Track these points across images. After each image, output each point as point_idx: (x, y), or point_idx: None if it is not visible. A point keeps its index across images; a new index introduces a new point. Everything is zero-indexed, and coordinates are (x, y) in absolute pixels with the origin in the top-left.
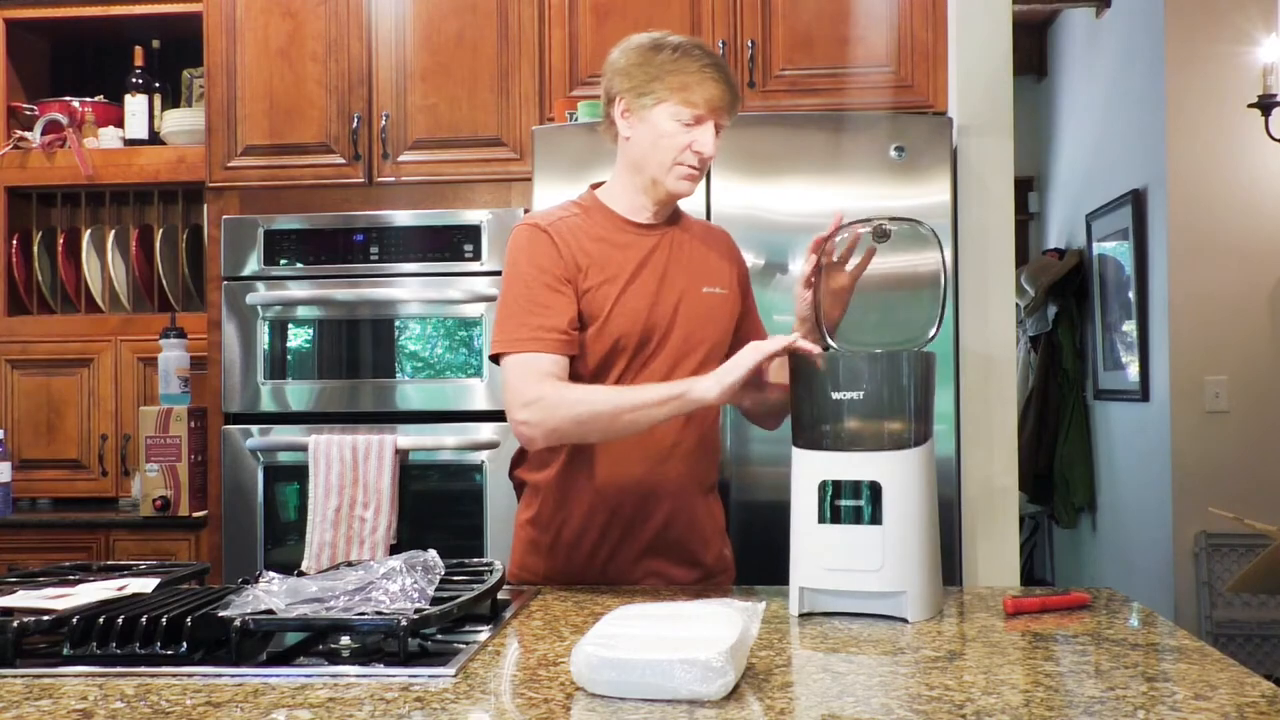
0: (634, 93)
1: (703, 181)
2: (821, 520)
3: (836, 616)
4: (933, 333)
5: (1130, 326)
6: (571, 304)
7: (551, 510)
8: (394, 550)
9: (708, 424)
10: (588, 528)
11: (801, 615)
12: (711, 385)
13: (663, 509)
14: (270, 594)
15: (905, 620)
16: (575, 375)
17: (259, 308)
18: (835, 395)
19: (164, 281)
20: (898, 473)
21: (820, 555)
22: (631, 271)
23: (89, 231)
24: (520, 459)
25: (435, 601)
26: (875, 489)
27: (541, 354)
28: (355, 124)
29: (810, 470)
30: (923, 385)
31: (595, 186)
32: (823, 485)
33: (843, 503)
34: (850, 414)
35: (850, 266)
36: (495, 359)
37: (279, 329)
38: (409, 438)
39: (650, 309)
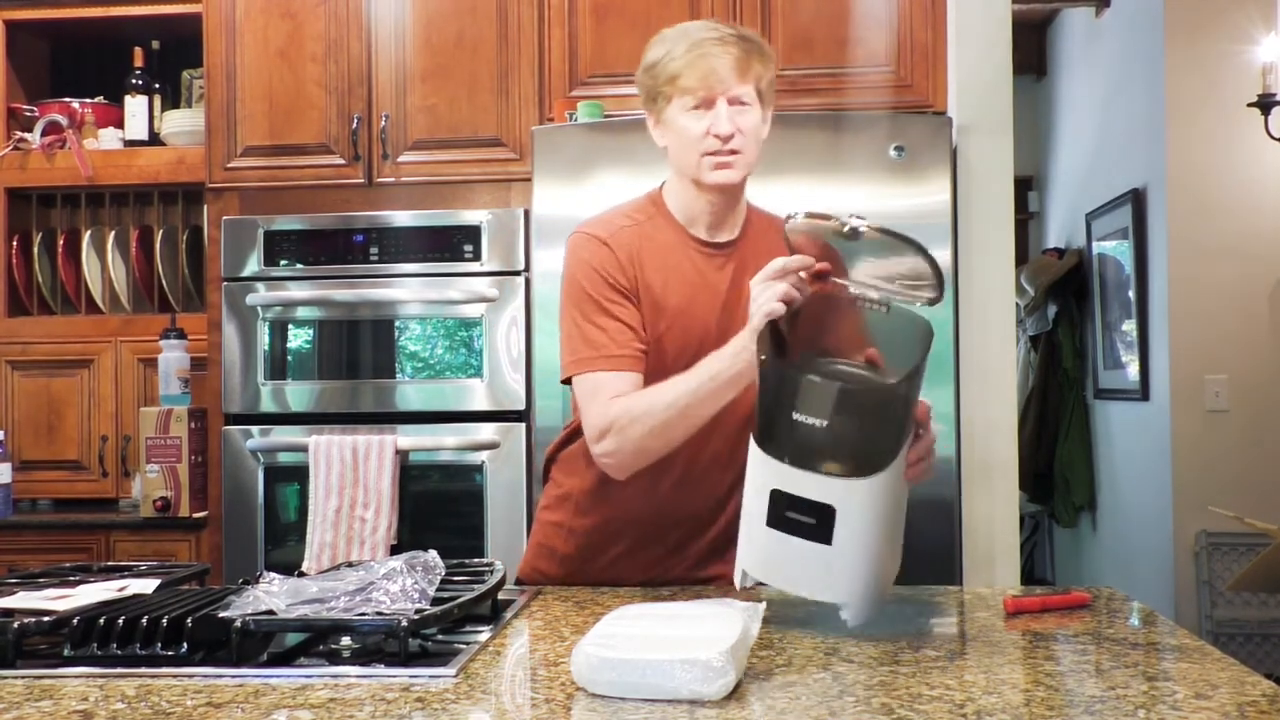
0: (650, 100)
1: None
2: (770, 523)
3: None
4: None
5: (1130, 326)
6: (637, 315)
7: (573, 518)
8: (394, 551)
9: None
10: (610, 543)
11: (779, 595)
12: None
13: (687, 527)
14: (271, 595)
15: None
16: None
17: (259, 308)
18: (796, 416)
19: (164, 282)
20: (855, 499)
21: (765, 551)
22: (688, 298)
23: (89, 232)
24: (558, 452)
25: (436, 602)
26: (828, 511)
27: (610, 373)
28: (355, 125)
29: (764, 474)
30: (896, 417)
31: (665, 184)
32: (775, 493)
33: (794, 515)
34: (809, 438)
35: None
36: (566, 382)
37: (279, 329)
38: (409, 438)
39: (700, 341)
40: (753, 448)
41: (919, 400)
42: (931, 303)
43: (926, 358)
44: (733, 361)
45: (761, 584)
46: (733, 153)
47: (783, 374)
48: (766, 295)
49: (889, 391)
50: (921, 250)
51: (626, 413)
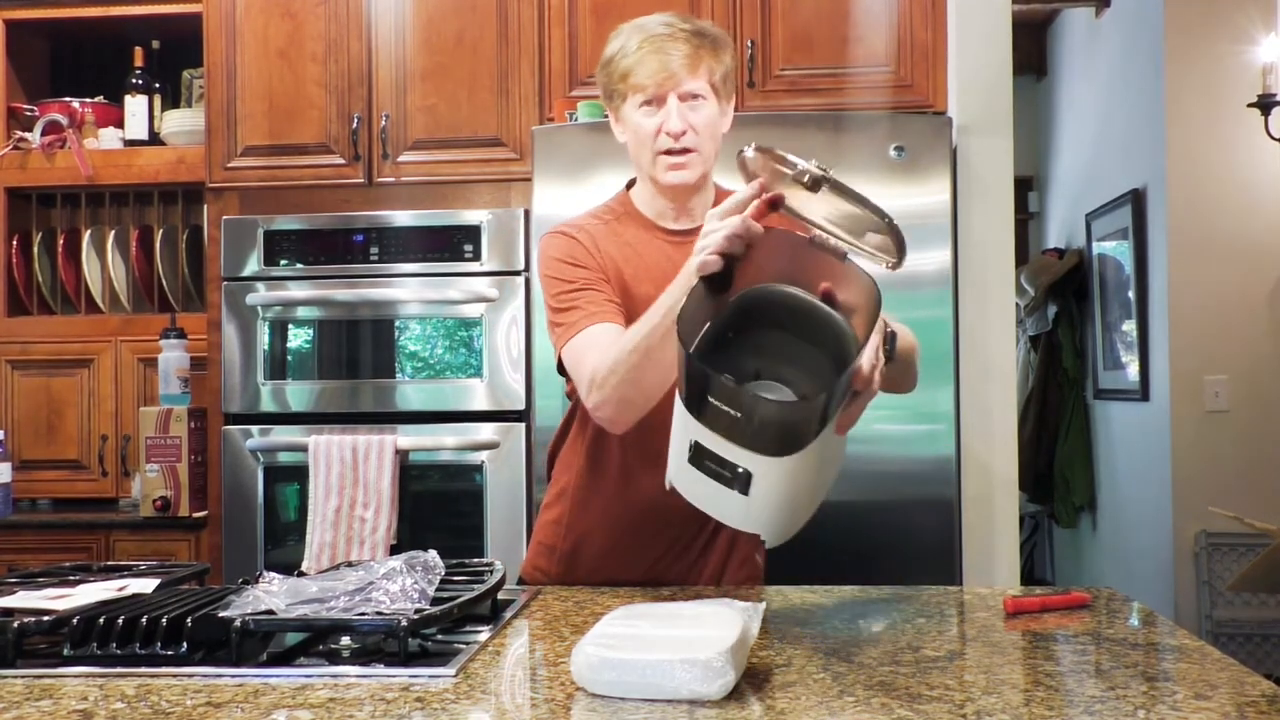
0: (608, 98)
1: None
2: (692, 463)
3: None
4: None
5: (1130, 326)
6: (610, 288)
7: (570, 514)
8: (394, 550)
9: None
10: (607, 540)
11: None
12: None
13: (682, 524)
14: (270, 594)
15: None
16: None
17: (259, 308)
18: (712, 400)
19: (164, 282)
20: (772, 471)
21: (689, 481)
22: (660, 284)
23: (89, 232)
24: (558, 448)
25: (435, 602)
26: (746, 473)
27: (590, 329)
28: (355, 124)
29: (686, 424)
30: (816, 418)
31: (631, 184)
32: (695, 444)
33: (712, 466)
34: (728, 421)
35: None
36: (561, 369)
37: (279, 329)
38: (409, 438)
39: None
40: (677, 403)
41: (872, 348)
42: (893, 267)
43: (860, 351)
44: (682, 294)
45: None
46: (686, 151)
47: (699, 370)
48: (708, 240)
49: (807, 408)
50: (885, 218)
51: (600, 366)
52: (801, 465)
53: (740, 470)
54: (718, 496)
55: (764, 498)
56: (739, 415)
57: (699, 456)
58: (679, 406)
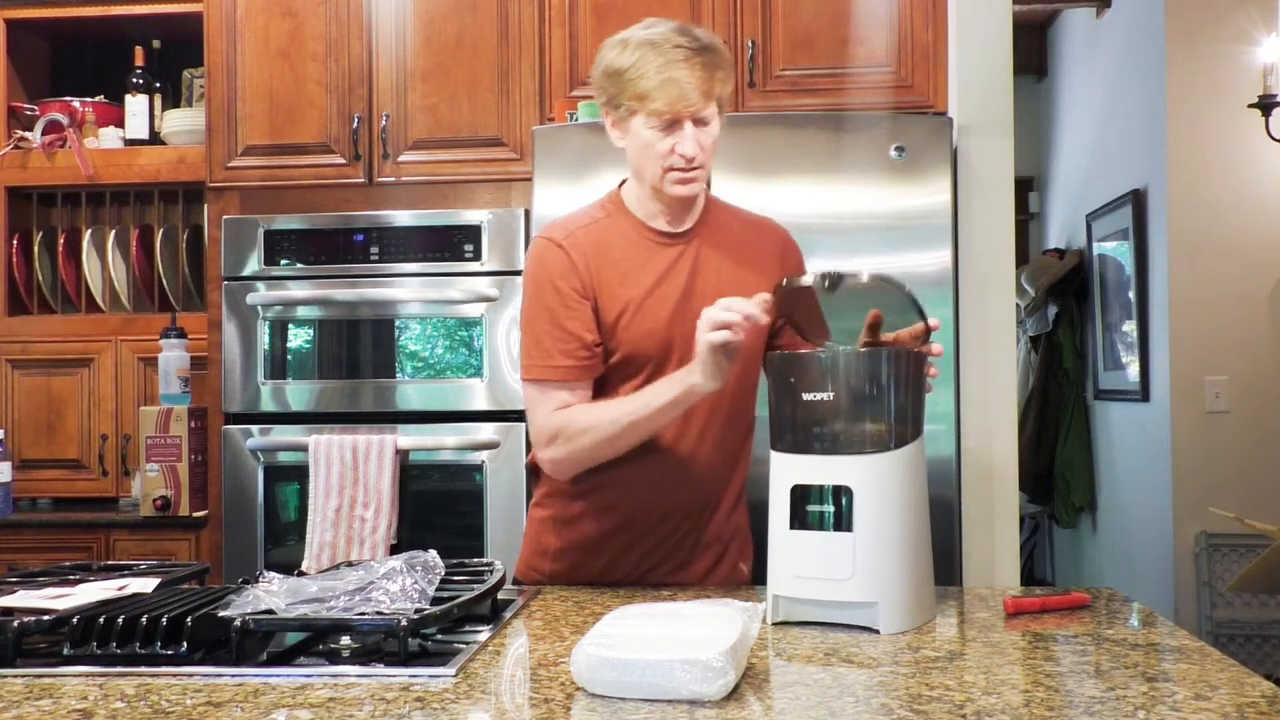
0: (610, 105)
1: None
2: (793, 526)
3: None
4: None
5: (1130, 326)
6: (590, 320)
7: (563, 511)
8: (394, 550)
9: (736, 426)
10: (602, 537)
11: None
12: (700, 375)
13: (676, 520)
14: (270, 594)
15: (878, 631)
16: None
17: (259, 308)
18: (805, 396)
19: (164, 281)
20: (870, 478)
21: (792, 562)
22: (648, 287)
23: (89, 231)
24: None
25: (435, 601)
26: (846, 494)
27: (553, 384)
28: (355, 124)
29: (783, 474)
30: (902, 385)
31: (624, 182)
32: (794, 489)
33: (813, 508)
34: (820, 416)
35: None
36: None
37: (279, 329)
38: (409, 438)
39: (666, 326)
40: (772, 458)
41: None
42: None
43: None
44: (669, 386)
45: (796, 622)
46: (694, 169)
47: (787, 358)
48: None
49: (889, 354)
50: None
51: (573, 423)
52: (895, 473)
53: (839, 492)
54: (823, 556)
55: (867, 527)
56: (831, 396)
57: (798, 506)
58: (774, 473)
